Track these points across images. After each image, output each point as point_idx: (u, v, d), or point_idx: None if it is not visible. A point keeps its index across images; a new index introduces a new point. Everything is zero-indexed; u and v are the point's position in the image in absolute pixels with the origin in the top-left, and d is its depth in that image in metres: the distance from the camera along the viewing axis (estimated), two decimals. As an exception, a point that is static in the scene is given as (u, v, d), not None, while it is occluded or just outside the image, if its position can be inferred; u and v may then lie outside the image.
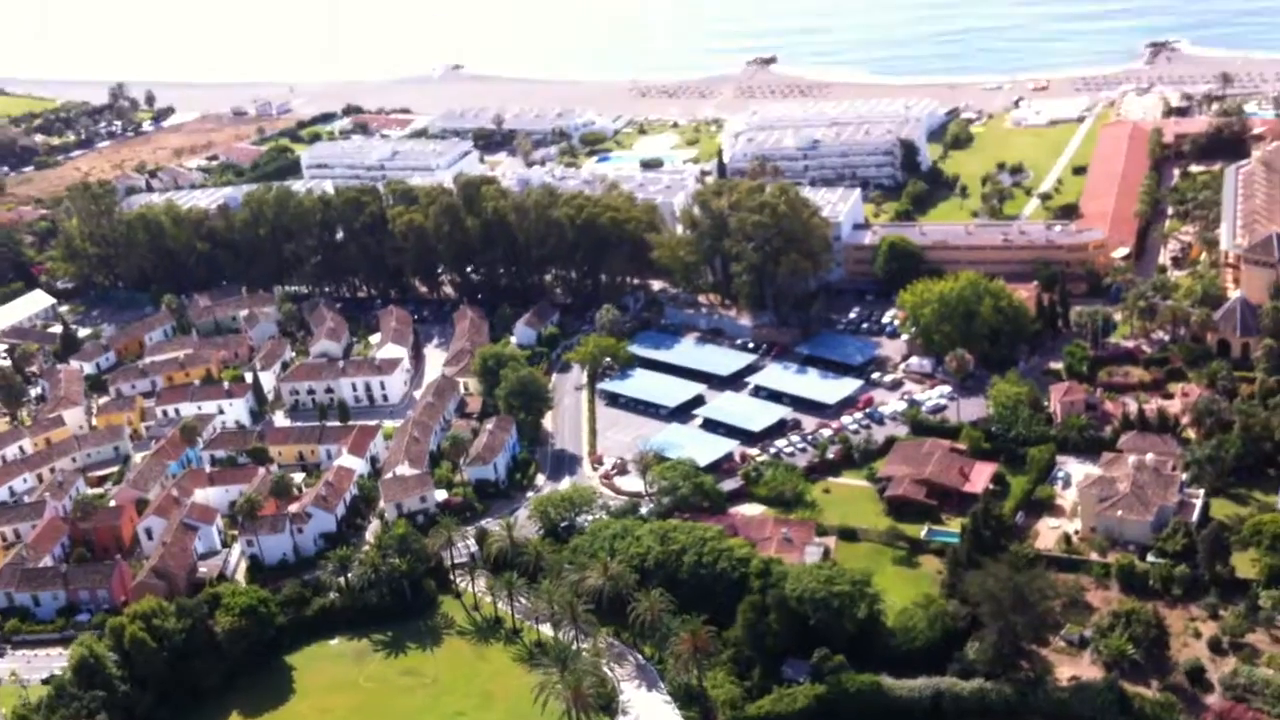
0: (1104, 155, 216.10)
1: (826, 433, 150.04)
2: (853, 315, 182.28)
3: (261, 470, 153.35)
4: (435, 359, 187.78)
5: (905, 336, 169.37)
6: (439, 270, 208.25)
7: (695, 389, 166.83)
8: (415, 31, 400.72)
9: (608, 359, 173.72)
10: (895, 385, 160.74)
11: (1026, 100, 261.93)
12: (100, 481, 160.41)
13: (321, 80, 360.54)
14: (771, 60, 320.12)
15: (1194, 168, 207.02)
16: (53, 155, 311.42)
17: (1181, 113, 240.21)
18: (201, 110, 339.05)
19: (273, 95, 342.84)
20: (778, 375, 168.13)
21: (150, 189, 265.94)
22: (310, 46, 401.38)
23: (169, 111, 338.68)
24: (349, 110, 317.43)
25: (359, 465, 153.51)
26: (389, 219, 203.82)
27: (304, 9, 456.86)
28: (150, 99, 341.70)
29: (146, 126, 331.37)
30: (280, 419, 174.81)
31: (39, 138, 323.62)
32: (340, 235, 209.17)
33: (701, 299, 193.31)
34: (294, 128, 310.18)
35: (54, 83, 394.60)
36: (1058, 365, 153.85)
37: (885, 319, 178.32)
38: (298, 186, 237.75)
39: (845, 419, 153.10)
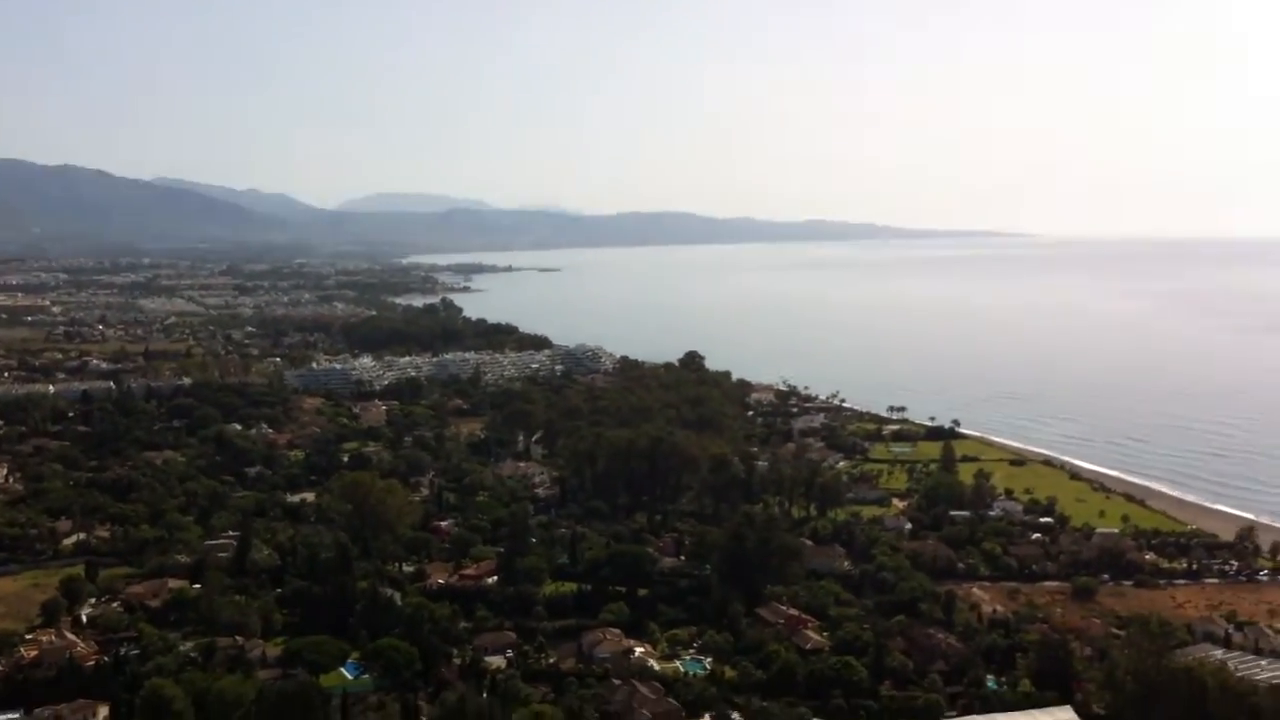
0: None
1: None
2: None
3: None
4: None
5: None
6: None
7: None
8: None
9: None
10: None
11: None
12: None
13: None
14: None
15: None
16: (1156, 577, 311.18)
17: None
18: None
19: None
20: None
21: (1227, 641, 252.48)
22: None
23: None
24: None
25: None
26: None
27: None
28: (1276, 549, 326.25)
29: (1262, 576, 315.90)
30: None
31: (1149, 556, 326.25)
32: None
33: None
34: None
35: (1194, 507, 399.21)
36: None
37: None
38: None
39: None
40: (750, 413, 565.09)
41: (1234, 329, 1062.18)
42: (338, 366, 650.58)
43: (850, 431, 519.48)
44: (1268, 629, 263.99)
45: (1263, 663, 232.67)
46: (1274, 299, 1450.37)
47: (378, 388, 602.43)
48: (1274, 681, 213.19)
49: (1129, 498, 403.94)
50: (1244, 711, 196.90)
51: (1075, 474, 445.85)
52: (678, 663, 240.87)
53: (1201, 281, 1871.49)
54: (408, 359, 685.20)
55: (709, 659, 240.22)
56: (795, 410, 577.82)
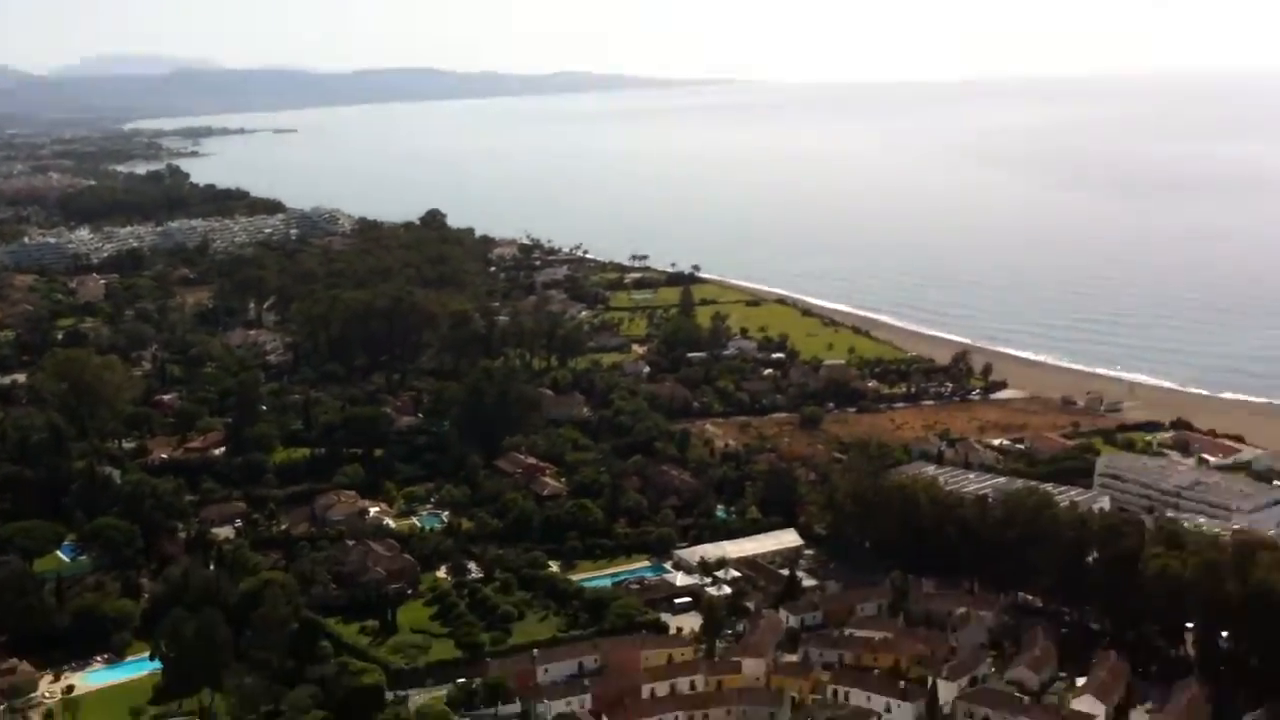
0: None
1: None
2: None
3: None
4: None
5: None
6: (1186, 626, 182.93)
7: None
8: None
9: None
10: None
11: None
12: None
13: (1165, 385, 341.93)
14: None
15: None
16: (878, 402, 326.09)
17: None
18: (1032, 391, 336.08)
19: (1108, 391, 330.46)
20: None
21: (940, 458, 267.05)
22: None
23: (1000, 386, 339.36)
24: (1177, 424, 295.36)
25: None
26: (1143, 558, 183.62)
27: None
28: (987, 370, 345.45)
29: (974, 395, 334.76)
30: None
31: (872, 383, 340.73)
32: (1091, 559, 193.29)
33: None
34: (1112, 429, 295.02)
35: (915, 335, 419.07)
36: None
37: None
38: (1074, 496, 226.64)
39: None
40: (493, 268, 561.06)
41: (953, 160, 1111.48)
42: (52, 240, 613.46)
43: (593, 282, 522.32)
44: (977, 444, 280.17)
45: (970, 475, 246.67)
46: (985, 133, 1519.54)
47: (96, 261, 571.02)
48: (980, 492, 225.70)
49: (856, 330, 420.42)
50: (952, 522, 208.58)
51: (807, 310, 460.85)
52: (414, 519, 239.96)
53: (921, 121, 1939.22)
54: (129, 229, 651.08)
55: (446, 513, 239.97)
56: (538, 263, 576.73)
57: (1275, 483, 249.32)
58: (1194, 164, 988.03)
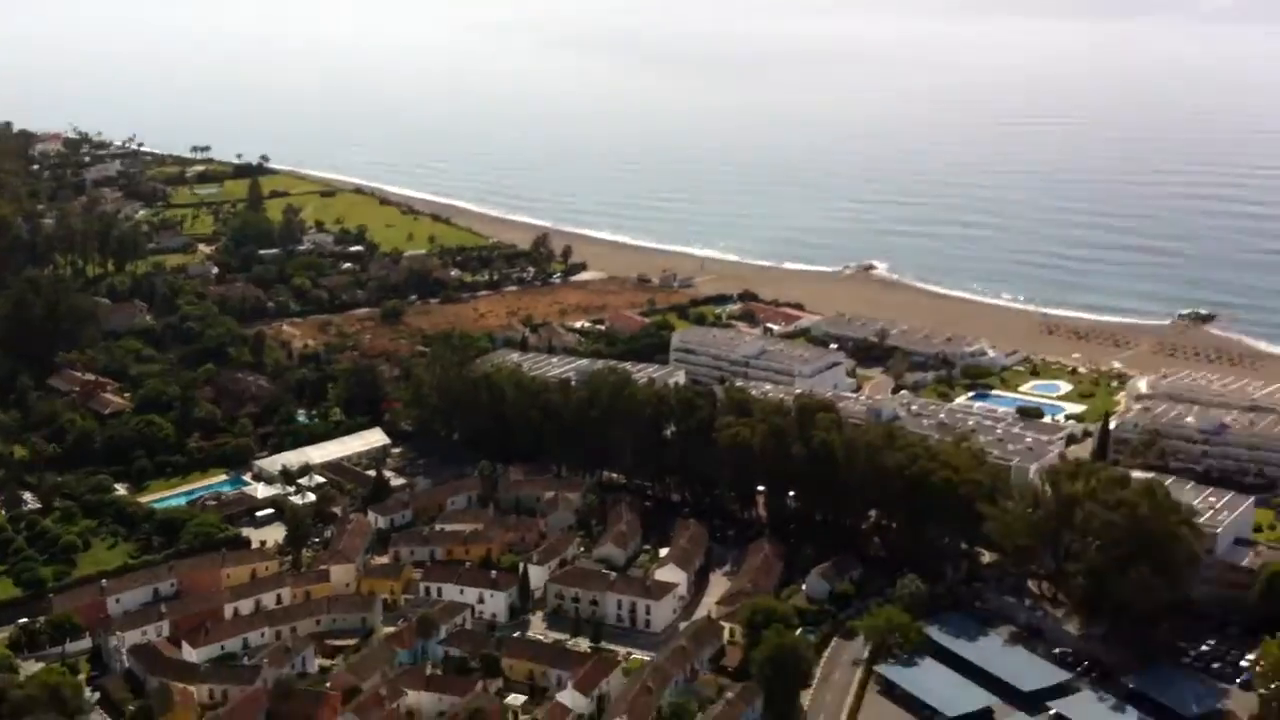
0: None
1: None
2: (1205, 648, 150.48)
3: (480, 685, 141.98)
4: (720, 589, 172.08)
5: (1262, 692, 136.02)
6: (758, 490, 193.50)
7: (985, 700, 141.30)
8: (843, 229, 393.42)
9: (897, 636, 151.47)
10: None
11: None
12: (335, 653, 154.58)
13: (733, 259, 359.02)
14: (1209, 318, 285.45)
15: None
16: (461, 292, 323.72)
17: None
18: (611, 271, 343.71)
19: (682, 268, 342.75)
20: (1088, 708, 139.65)
21: (524, 344, 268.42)
22: (743, 220, 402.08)
23: (581, 268, 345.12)
24: (744, 296, 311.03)
25: (581, 705, 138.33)
26: (717, 428, 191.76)
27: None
28: (567, 253, 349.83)
29: (555, 279, 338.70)
30: (538, 622, 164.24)
31: (455, 272, 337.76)
32: (670, 433, 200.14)
33: (1031, 584, 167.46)
34: (685, 304, 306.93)
35: (496, 220, 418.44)
36: None
37: (1244, 662, 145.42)
38: (652, 372, 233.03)
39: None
40: (35, 166, 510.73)
41: (519, 43, 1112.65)
42: None
43: (150, 177, 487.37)
44: (560, 327, 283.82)
45: (554, 359, 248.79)
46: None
47: None
48: (564, 376, 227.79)
49: (436, 218, 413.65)
50: (537, 407, 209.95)
51: (385, 199, 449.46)
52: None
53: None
54: None
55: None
56: (88, 159, 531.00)
57: (832, 346, 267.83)
58: (780, 41, 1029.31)
